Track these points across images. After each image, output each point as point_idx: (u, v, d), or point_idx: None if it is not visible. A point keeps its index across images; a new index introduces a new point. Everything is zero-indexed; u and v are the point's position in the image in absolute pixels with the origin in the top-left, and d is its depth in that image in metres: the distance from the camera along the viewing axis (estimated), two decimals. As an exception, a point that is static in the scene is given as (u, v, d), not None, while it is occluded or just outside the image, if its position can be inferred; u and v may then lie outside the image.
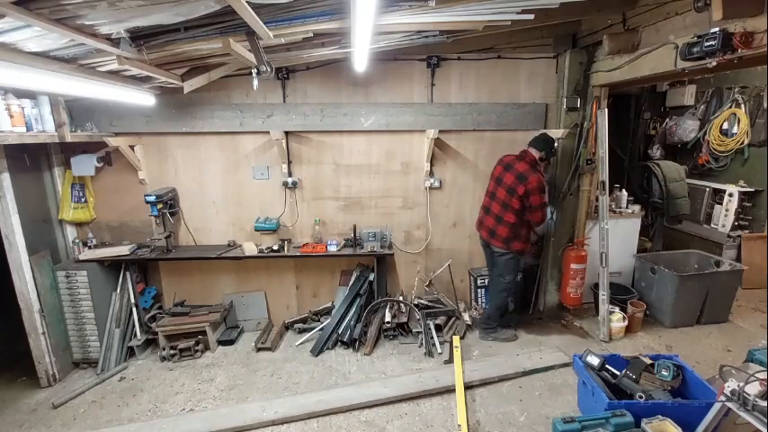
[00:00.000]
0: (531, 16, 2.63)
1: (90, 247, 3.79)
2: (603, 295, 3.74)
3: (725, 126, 4.84)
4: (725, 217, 4.82)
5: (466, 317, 4.06)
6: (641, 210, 4.50)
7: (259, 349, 3.79)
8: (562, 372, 3.29)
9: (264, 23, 2.03)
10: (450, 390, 3.08)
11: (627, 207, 4.52)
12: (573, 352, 3.15)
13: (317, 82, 3.78)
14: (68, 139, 3.26)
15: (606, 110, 3.71)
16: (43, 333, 3.36)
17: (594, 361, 2.75)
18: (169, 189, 3.82)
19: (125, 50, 2.12)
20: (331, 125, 3.84)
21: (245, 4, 1.68)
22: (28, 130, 2.98)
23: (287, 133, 3.86)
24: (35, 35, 1.89)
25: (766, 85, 4.62)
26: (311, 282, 4.27)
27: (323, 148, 3.97)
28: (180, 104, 3.69)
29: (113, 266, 3.77)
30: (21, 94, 2.91)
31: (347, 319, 3.90)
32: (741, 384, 1.89)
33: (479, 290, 4.19)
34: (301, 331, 4.04)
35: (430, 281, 4.30)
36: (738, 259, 4.68)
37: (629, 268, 4.41)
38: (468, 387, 3.11)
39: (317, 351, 3.71)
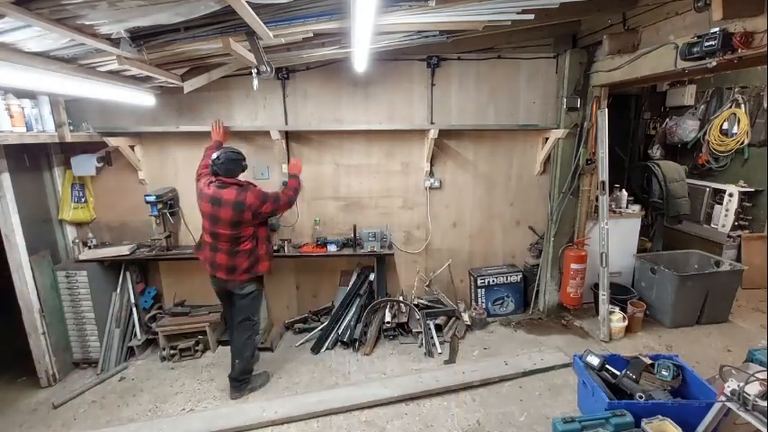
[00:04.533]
0: (531, 16, 2.63)
1: (90, 247, 3.79)
2: (603, 295, 3.74)
3: (725, 126, 4.83)
4: (725, 217, 4.82)
5: (466, 317, 4.05)
6: (641, 210, 4.50)
7: (259, 349, 3.78)
8: (562, 372, 3.29)
9: (264, 23, 2.03)
10: (451, 390, 3.08)
11: (627, 207, 4.52)
12: (573, 352, 3.14)
13: (317, 82, 3.78)
14: (68, 139, 3.27)
15: (606, 110, 3.71)
16: (43, 333, 3.35)
17: (594, 361, 2.75)
18: (169, 189, 3.82)
19: (125, 50, 2.12)
20: (331, 125, 3.84)
21: (245, 4, 1.69)
22: (28, 130, 2.99)
23: (287, 133, 3.86)
24: (35, 35, 1.89)
25: (766, 85, 4.62)
26: (311, 282, 4.27)
27: (323, 148, 3.97)
28: (180, 104, 3.69)
29: (113, 266, 3.77)
30: (21, 94, 2.91)
31: (347, 319, 3.90)
32: (741, 384, 1.90)
33: (479, 290, 4.18)
34: (301, 331, 4.04)
35: (430, 281, 4.30)
36: (738, 259, 4.68)
37: (629, 268, 4.41)
38: (468, 387, 3.11)
39: (317, 351, 3.71)
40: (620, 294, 3.98)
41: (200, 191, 2.97)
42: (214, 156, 2.91)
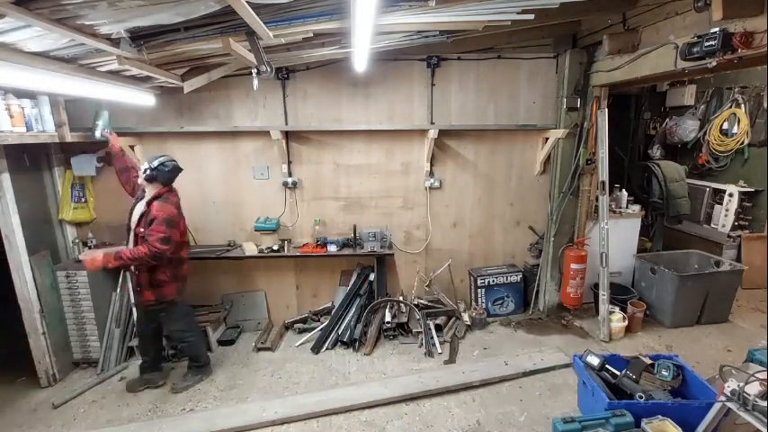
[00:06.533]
0: (531, 16, 2.63)
1: (90, 247, 3.79)
2: (603, 295, 3.74)
3: (725, 126, 4.83)
4: (725, 217, 4.82)
5: (466, 317, 4.06)
6: (641, 210, 4.50)
7: (259, 349, 3.79)
8: (562, 372, 3.29)
9: (264, 23, 2.03)
10: (451, 390, 3.08)
11: (627, 207, 4.52)
12: (573, 352, 3.14)
13: (317, 82, 3.78)
14: (68, 139, 3.26)
15: (606, 110, 3.71)
16: (43, 333, 3.35)
17: (594, 361, 2.75)
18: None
19: (125, 50, 2.12)
20: (331, 125, 3.84)
21: (245, 4, 1.68)
22: (28, 130, 2.98)
23: (287, 133, 3.86)
24: (35, 35, 1.89)
25: (766, 85, 4.62)
26: (311, 282, 4.27)
27: (323, 148, 3.97)
28: (180, 104, 3.70)
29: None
30: (21, 94, 2.91)
31: (347, 319, 3.90)
32: (741, 384, 1.90)
33: (479, 290, 4.18)
34: (301, 331, 4.04)
35: (430, 281, 4.30)
36: (738, 259, 4.68)
37: (629, 268, 4.40)
38: (468, 387, 3.11)
39: (317, 351, 3.71)
40: (620, 294, 3.98)
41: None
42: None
